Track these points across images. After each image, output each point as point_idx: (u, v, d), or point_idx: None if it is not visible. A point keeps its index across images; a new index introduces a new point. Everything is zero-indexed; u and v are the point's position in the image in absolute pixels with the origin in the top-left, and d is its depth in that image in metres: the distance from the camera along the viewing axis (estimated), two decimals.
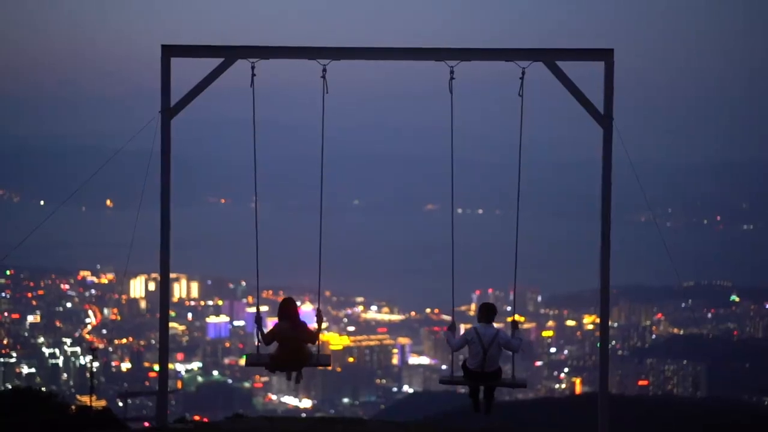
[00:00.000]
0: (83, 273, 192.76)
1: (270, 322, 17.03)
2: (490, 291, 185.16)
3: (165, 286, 17.02)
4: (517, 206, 17.13)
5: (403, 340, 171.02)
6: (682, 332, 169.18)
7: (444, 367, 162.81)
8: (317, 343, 16.59)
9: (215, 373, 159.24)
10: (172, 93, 16.63)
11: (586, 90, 16.55)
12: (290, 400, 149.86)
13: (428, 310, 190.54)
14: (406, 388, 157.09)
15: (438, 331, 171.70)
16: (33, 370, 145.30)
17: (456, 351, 16.65)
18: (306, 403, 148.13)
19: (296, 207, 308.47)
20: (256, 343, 16.66)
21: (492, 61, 16.63)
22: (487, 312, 16.49)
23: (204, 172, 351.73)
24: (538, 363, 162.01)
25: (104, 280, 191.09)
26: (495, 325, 16.36)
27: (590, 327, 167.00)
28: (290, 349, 16.32)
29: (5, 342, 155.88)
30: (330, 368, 17.41)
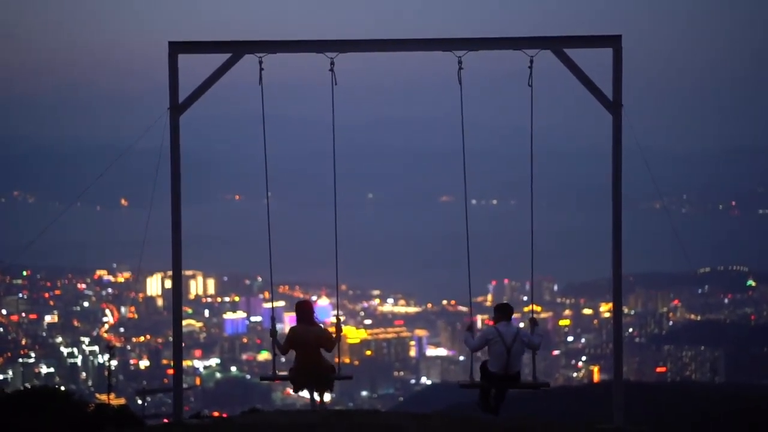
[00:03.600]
0: (100, 272, 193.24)
1: (287, 317, 17.09)
2: (506, 281, 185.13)
3: (177, 282, 17.04)
4: (531, 196, 16.88)
5: (420, 332, 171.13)
6: (699, 318, 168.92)
7: (462, 358, 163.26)
8: (336, 344, 16.60)
9: (233, 369, 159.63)
10: (182, 89, 16.65)
11: (596, 78, 16.50)
12: (315, 396, 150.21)
13: (445, 302, 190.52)
14: (424, 380, 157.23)
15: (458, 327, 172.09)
16: (52, 369, 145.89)
17: (475, 351, 16.32)
18: (325, 397, 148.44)
19: (311, 202, 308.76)
20: (274, 351, 16.74)
21: (502, 50, 16.61)
22: (505, 311, 16.24)
23: (218, 169, 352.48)
24: (556, 352, 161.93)
25: (121, 279, 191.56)
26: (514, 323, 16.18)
27: (607, 315, 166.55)
28: (308, 355, 16.35)
29: (23, 342, 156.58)
30: (351, 378, 17.41)
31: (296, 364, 16.40)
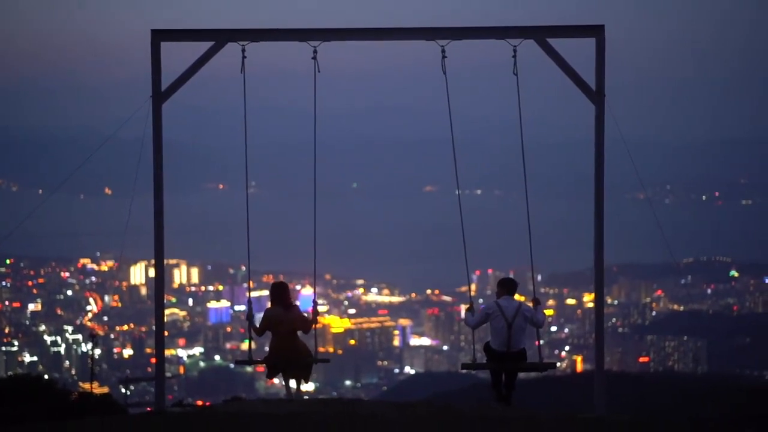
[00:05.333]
0: (83, 261, 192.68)
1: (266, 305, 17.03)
2: (489, 271, 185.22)
3: (159, 271, 16.98)
4: (525, 185, 16.69)
5: (404, 322, 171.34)
6: (682, 308, 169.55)
7: (445, 347, 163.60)
8: (314, 327, 16.58)
9: (217, 357, 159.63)
10: (166, 78, 16.57)
11: (579, 68, 16.47)
12: (292, 383, 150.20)
13: (429, 291, 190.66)
14: (407, 370, 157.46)
15: (438, 313, 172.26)
16: (35, 358, 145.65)
17: (475, 328, 15.95)
18: (308, 386, 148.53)
19: (296, 191, 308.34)
20: (250, 334, 16.70)
21: (484, 40, 16.59)
22: (508, 285, 16.06)
23: (202, 159, 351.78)
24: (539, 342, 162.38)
25: (104, 268, 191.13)
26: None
27: (590, 305, 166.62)
28: (284, 336, 16.29)
29: (7, 330, 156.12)
30: (329, 362, 17.37)
31: (272, 347, 16.31)
